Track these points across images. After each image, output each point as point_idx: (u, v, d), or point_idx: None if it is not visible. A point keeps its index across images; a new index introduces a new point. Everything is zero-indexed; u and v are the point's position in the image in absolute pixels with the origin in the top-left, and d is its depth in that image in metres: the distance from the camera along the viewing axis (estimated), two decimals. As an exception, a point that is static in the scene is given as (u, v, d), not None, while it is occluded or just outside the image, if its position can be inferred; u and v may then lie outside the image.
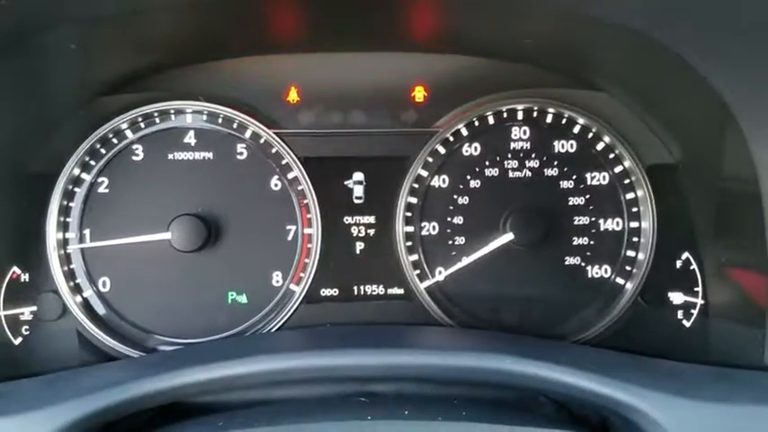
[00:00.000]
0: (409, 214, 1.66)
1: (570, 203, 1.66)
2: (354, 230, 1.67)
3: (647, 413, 1.13)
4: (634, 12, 1.25)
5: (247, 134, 1.64)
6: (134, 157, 1.62)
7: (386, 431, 1.06)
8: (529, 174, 1.66)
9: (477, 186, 1.66)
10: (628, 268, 1.66)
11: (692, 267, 1.63)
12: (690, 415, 1.13)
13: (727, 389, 1.23)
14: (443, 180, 1.67)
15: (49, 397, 1.16)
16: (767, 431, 1.12)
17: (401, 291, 1.67)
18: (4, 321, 1.54)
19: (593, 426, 1.26)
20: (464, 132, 1.66)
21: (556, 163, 1.67)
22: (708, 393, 1.17)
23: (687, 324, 1.63)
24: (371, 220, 1.67)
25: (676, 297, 1.64)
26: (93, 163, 1.60)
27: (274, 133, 1.63)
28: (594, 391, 1.18)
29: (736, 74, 1.25)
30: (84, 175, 1.60)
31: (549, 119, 1.67)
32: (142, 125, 1.62)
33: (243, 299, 1.64)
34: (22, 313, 1.55)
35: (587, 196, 1.66)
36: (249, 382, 1.25)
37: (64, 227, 1.59)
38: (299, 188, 1.64)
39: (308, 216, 1.64)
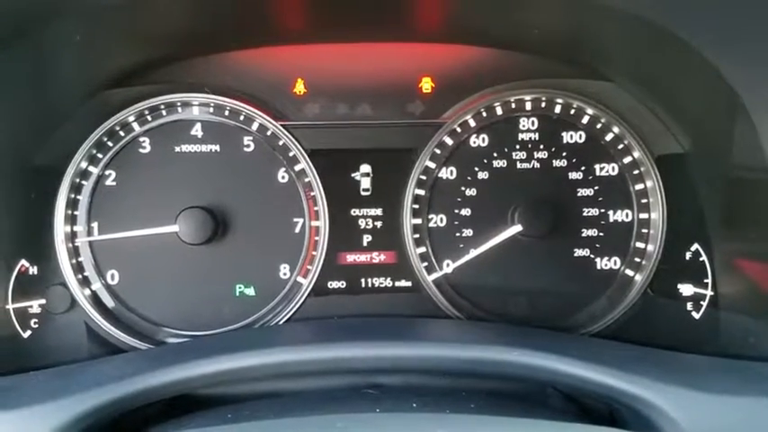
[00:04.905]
0: (417, 206, 1.66)
1: (579, 195, 1.66)
2: (362, 223, 1.67)
3: (658, 406, 1.13)
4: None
5: (254, 126, 1.64)
6: (141, 150, 1.63)
7: (394, 423, 1.05)
8: (537, 165, 1.66)
9: (485, 178, 1.66)
10: (637, 260, 1.66)
11: (701, 259, 1.62)
12: (702, 408, 1.13)
13: (739, 381, 1.22)
14: (451, 172, 1.67)
15: (58, 389, 1.17)
16: None
17: (409, 283, 1.68)
18: (12, 314, 1.55)
19: (601, 417, 1.27)
20: (472, 123, 1.66)
21: (564, 154, 1.66)
22: (719, 386, 1.17)
23: (697, 316, 1.63)
24: (379, 212, 1.67)
25: (686, 289, 1.63)
26: (100, 156, 1.61)
27: (281, 125, 1.64)
28: (605, 383, 1.17)
29: (748, 62, 1.24)
30: (91, 168, 1.61)
31: (557, 109, 1.67)
32: (149, 118, 1.63)
33: (251, 291, 1.65)
34: (31, 306, 1.56)
35: (596, 187, 1.66)
36: (257, 374, 1.26)
37: (72, 220, 1.60)
38: (306, 180, 1.64)
39: (315, 208, 1.65)
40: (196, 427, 1.12)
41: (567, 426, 1.05)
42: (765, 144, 1.28)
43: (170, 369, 1.22)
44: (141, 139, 1.63)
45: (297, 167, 1.64)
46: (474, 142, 1.67)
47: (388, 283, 1.68)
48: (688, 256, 1.64)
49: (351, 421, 1.05)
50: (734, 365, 1.34)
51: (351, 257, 1.67)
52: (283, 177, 1.65)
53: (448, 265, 1.67)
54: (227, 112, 1.64)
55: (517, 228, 1.62)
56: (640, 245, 1.66)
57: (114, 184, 1.62)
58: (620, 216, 1.67)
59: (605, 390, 1.17)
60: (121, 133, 1.62)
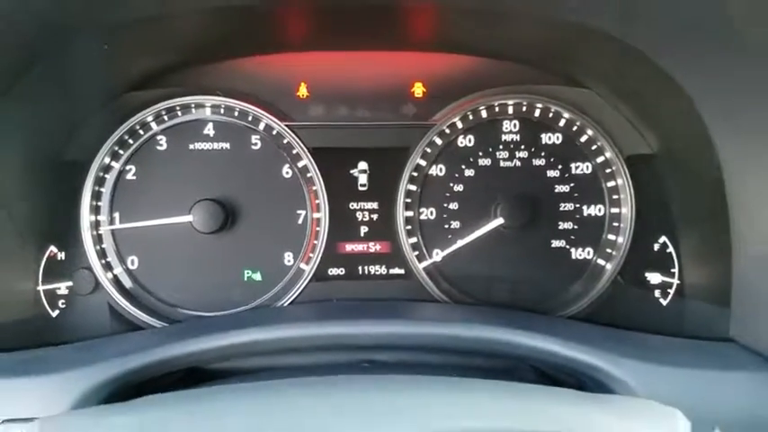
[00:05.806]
0: (409, 200, 1.74)
1: (556, 191, 1.74)
2: (359, 215, 1.75)
3: (617, 377, 1.23)
4: (609, 19, 1.33)
5: (261, 126, 1.71)
6: (158, 147, 1.70)
7: (378, 384, 1.10)
8: (518, 164, 1.73)
9: (471, 175, 1.74)
10: (608, 251, 1.73)
11: (668, 250, 1.70)
12: (657, 379, 1.22)
13: (692, 356, 1.31)
14: (440, 169, 1.74)
15: (84, 359, 1.26)
16: (729, 394, 1.21)
17: (401, 271, 1.75)
18: (42, 295, 1.62)
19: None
20: (459, 125, 1.73)
21: (543, 154, 1.74)
22: (673, 360, 1.26)
23: (664, 302, 1.70)
24: (374, 205, 1.75)
25: (654, 277, 1.70)
26: (121, 152, 1.68)
27: (286, 125, 1.70)
28: (570, 356, 1.28)
29: (698, 71, 1.32)
30: (113, 164, 1.67)
31: (537, 113, 1.74)
32: (165, 118, 1.69)
33: (257, 276, 1.72)
34: (59, 288, 1.63)
35: (572, 184, 1.74)
36: (263, 348, 1.35)
37: (96, 210, 1.67)
38: (309, 176, 1.71)
39: (317, 201, 1.72)
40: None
41: (531, 386, 1.12)
42: (717, 144, 1.37)
43: (185, 342, 1.31)
44: (159, 137, 1.69)
45: (300, 164, 1.71)
46: (461, 142, 1.74)
47: (382, 270, 1.75)
48: (656, 247, 1.71)
49: (342, 380, 1.11)
50: (690, 344, 1.43)
51: (349, 247, 1.75)
52: (287, 173, 1.72)
53: (437, 254, 1.74)
54: (236, 113, 1.70)
55: (500, 220, 1.70)
56: (611, 237, 1.73)
57: (134, 178, 1.69)
58: (593, 210, 1.75)
59: (572, 363, 1.27)
60: (141, 132, 1.69)
